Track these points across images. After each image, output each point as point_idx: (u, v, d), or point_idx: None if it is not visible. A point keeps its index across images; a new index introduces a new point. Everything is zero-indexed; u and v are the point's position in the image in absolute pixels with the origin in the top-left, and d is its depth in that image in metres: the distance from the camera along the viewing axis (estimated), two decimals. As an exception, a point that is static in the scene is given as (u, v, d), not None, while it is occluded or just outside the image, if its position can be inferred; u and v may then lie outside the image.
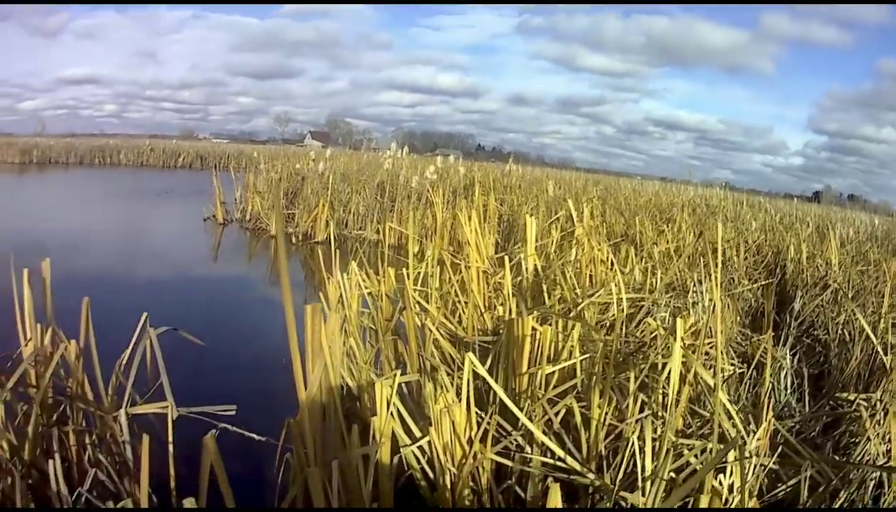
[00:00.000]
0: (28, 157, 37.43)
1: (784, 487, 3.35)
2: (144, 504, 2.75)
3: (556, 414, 3.73)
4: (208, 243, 14.66)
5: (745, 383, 4.34)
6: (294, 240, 14.54)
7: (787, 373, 4.41)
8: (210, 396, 3.69)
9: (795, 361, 5.19)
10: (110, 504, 2.85)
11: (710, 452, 3.20)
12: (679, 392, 3.62)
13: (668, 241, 8.93)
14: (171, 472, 3.06)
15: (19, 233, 11.18)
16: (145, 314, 3.95)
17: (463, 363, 3.62)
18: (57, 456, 3.25)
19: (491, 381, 3.70)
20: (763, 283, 7.98)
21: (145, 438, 2.95)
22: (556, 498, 2.36)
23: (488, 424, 3.51)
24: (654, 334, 4.99)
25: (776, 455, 3.53)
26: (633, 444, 3.44)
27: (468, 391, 3.59)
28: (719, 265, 4.66)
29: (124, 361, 3.91)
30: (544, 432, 3.53)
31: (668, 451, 3.31)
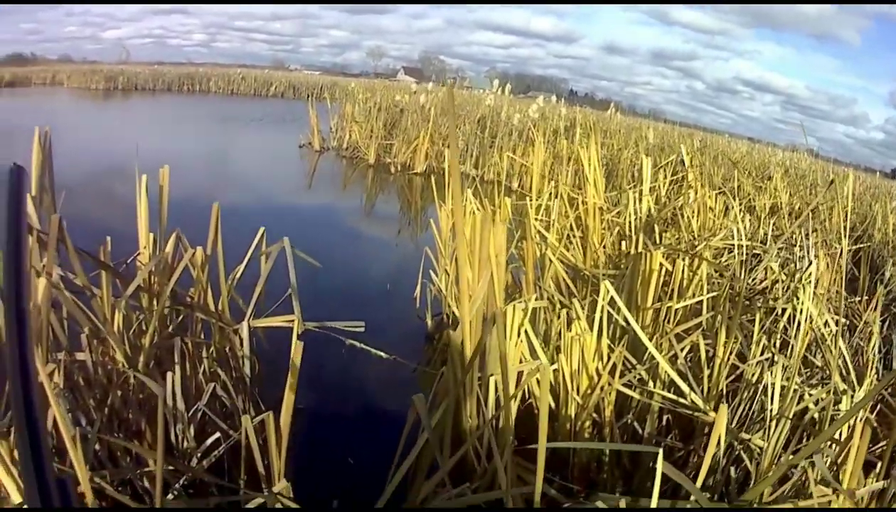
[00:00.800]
0: (113, 83, 37.12)
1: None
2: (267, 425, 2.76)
3: (682, 350, 3.74)
4: (303, 169, 14.78)
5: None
6: (392, 170, 14.62)
7: (875, 339, 4.35)
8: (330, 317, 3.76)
9: (885, 327, 5.17)
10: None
11: (830, 397, 3.20)
12: (804, 335, 3.62)
13: (767, 198, 8.91)
14: (292, 388, 2.99)
15: (117, 154, 11.32)
16: (262, 229, 4.01)
17: (581, 295, 3.65)
18: (178, 368, 3.30)
19: (625, 311, 3.72)
20: (856, 247, 7.93)
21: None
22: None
23: (616, 356, 3.53)
24: (771, 281, 5.01)
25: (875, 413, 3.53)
26: (758, 385, 3.47)
27: (601, 320, 3.61)
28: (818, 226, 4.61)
29: (238, 274, 3.99)
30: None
31: (792, 393, 3.31)
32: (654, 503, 2.17)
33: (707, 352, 3.73)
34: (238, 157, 15.47)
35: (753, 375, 3.60)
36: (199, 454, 3.26)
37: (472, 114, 16.28)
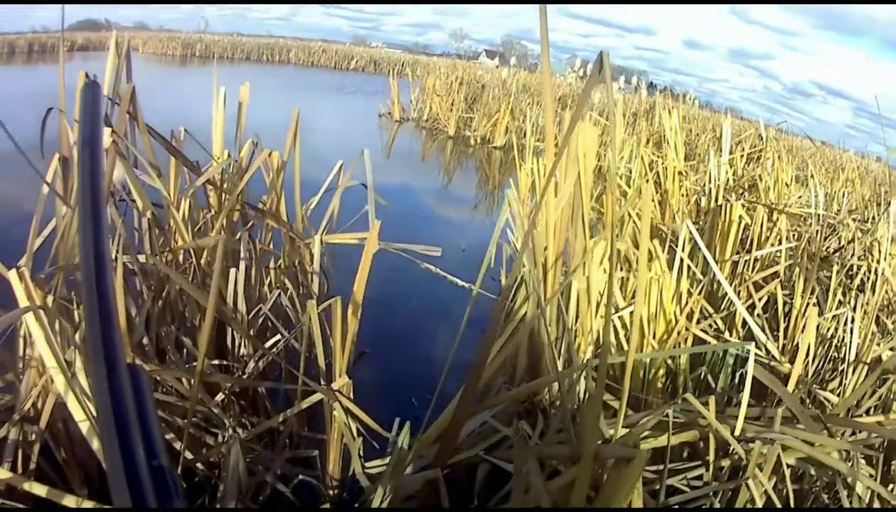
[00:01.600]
0: (190, 50, 37.34)
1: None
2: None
3: (760, 300, 3.70)
4: (382, 138, 14.87)
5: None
6: (472, 142, 14.67)
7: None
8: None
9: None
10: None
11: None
12: (880, 289, 3.57)
13: (840, 184, 8.82)
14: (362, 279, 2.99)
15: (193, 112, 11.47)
16: (341, 162, 4.04)
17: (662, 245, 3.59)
18: (242, 266, 3.27)
19: (706, 251, 3.68)
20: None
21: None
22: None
23: (693, 301, 3.48)
24: (847, 240, 4.97)
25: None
26: (832, 340, 3.42)
27: (682, 262, 3.55)
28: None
29: (314, 203, 4.02)
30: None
31: (867, 346, 3.26)
32: (743, 408, 2.16)
33: (784, 304, 3.68)
34: (316, 122, 15.59)
35: (829, 329, 3.55)
36: (255, 358, 3.24)
37: (553, 93, 16.25)
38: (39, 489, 1.94)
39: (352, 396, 2.72)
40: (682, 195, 5.94)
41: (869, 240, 4.49)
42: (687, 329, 3.43)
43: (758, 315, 3.65)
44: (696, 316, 3.50)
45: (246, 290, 3.29)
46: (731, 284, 3.90)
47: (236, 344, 3.32)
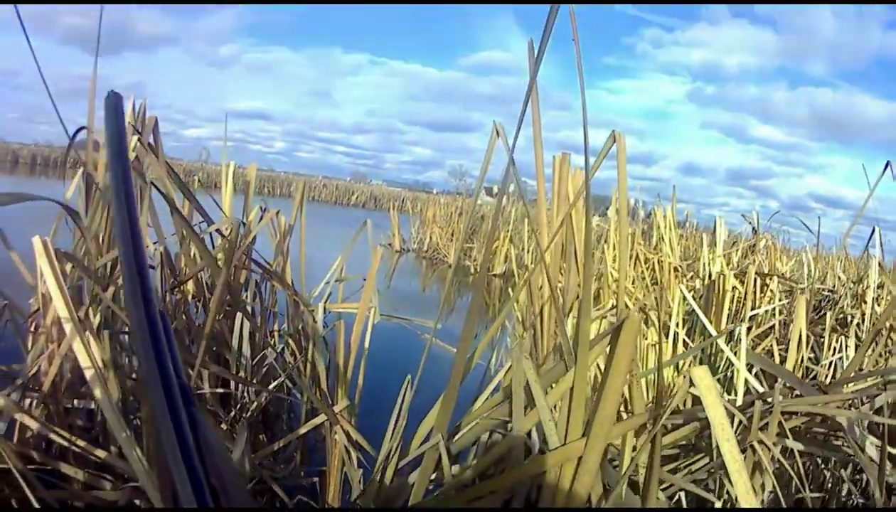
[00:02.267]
0: (190, 178, 37.46)
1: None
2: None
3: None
4: (383, 268, 15.09)
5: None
6: (473, 270, 14.87)
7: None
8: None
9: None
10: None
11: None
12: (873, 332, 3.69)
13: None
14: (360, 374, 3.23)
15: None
16: (340, 257, 4.23)
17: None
18: (246, 326, 3.48)
19: (700, 313, 3.81)
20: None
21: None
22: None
23: (687, 366, 3.59)
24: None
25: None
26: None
27: (678, 324, 3.67)
28: None
29: (316, 292, 4.18)
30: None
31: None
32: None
33: (780, 355, 3.80)
34: (317, 250, 15.87)
35: (826, 376, 3.66)
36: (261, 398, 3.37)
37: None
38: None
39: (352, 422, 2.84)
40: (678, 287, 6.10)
41: (860, 287, 4.65)
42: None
43: (756, 374, 3.75)
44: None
45: (251, 338, 3.45)
46: (728, 344, 4.02)
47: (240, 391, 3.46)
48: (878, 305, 3.98)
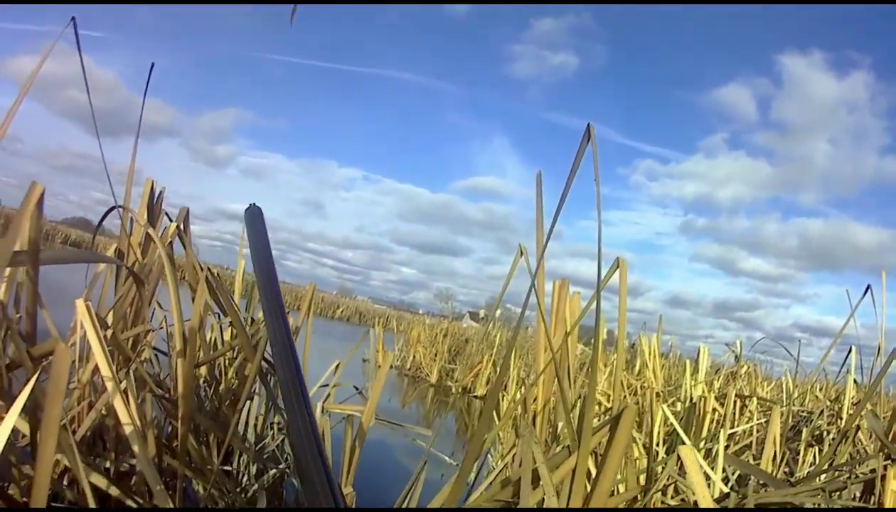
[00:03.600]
0: (181, 274, 37.62)
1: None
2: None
3: (733, 473, 4.02)
4: (363, 380, 15.18)
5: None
6: (453, 390, 14.98)
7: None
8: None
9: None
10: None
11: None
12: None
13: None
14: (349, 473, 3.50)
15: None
16: (336, 363, 4.48)
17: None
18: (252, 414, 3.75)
19: (677, 425, 4.01)
20: None
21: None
22: None
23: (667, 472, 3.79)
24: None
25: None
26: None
27: (657, 444, 3.89)
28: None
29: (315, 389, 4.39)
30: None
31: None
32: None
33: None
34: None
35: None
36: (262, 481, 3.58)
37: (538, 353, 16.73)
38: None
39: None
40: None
41: (836, 406, 4.87)
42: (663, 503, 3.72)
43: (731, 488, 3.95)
44: (671, 492, 3.80)
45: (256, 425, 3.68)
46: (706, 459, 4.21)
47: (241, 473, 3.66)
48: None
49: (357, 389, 4.20)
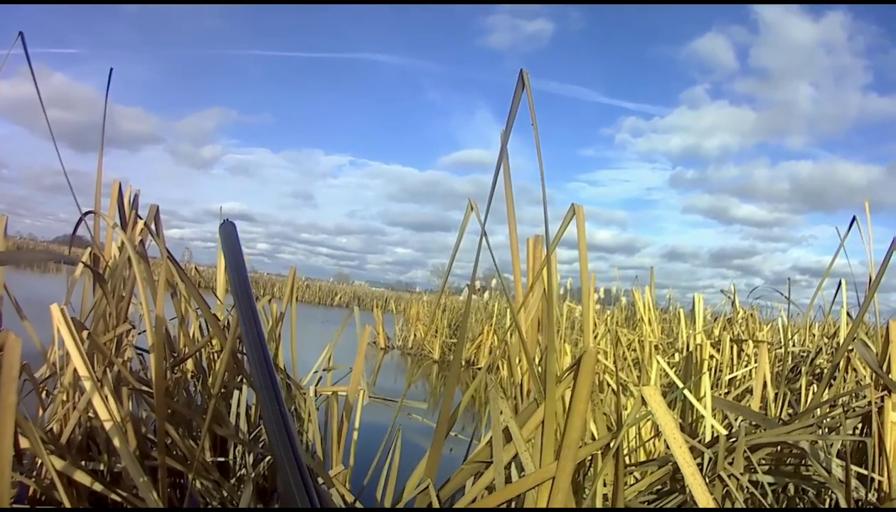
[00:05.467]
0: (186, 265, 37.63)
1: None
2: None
3: (736, 419, 4.02)
4: (369, 365, 15.18)
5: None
6: (458, 364, 15.01)
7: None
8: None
9: None
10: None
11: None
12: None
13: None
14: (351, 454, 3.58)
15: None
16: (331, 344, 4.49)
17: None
18: (243, 404, 3.77)
19: (671, 373, 4.03)
20: None
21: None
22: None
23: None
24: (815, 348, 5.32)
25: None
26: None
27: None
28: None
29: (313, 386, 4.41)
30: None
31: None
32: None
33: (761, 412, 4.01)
34: (303, 346, 15.95)
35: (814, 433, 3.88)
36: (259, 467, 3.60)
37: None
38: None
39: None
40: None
41: (835, 342, 4.87)
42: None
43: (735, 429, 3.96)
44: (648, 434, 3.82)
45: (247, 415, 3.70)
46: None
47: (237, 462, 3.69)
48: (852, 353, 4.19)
49: (351, 369, 4.20)
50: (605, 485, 2.46)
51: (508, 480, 2.45)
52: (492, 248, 2.66)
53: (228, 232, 1.23)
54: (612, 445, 2.22)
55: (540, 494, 2.22)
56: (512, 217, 2.68)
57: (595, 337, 7.17)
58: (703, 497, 1.89)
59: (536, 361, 2.79)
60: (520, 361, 3.07)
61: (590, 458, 2.62)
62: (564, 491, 2.18)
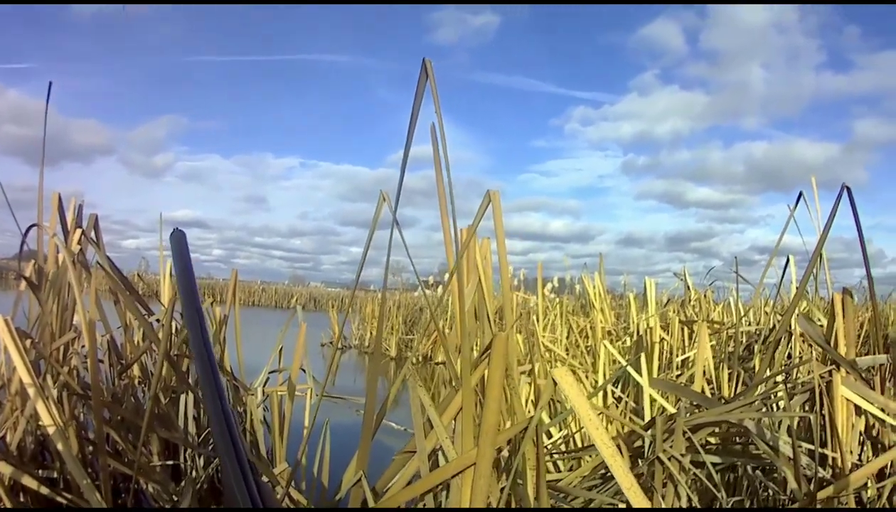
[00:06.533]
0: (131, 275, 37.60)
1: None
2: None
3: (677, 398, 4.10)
4: (323, 364, 15.21)
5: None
6: (414, 360, 15.03)
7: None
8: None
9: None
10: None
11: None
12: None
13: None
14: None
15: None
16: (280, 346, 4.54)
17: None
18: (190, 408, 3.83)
19: (617, 355, 4.09)
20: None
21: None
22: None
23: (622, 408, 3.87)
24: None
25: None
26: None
27: (604, 377, 3.97)
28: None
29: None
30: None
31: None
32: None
33: (712, 393, 4.08)
34: (256, 351, 15.91)
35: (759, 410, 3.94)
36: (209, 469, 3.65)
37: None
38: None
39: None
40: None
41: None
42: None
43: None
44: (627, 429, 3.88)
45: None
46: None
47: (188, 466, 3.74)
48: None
49: (303, 370, 4.24)
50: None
51: (436, 467, 2.50)
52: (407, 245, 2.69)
53: (178, 239, 1.26)
54: (529, 426, 2.25)
55: (464, 481, 2.27)
56: (444, 208, 2.70)
57: (546, 326, 7.22)
58: (624, 479, 1.94)
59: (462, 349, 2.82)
60: (459, 349, 3.11)
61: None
62: (486, 476, 2.23)
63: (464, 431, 2.35)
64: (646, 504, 1.93)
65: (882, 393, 3.16)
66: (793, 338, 4.28)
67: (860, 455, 3.16)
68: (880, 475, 2.95)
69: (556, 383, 2.04)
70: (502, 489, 2.36)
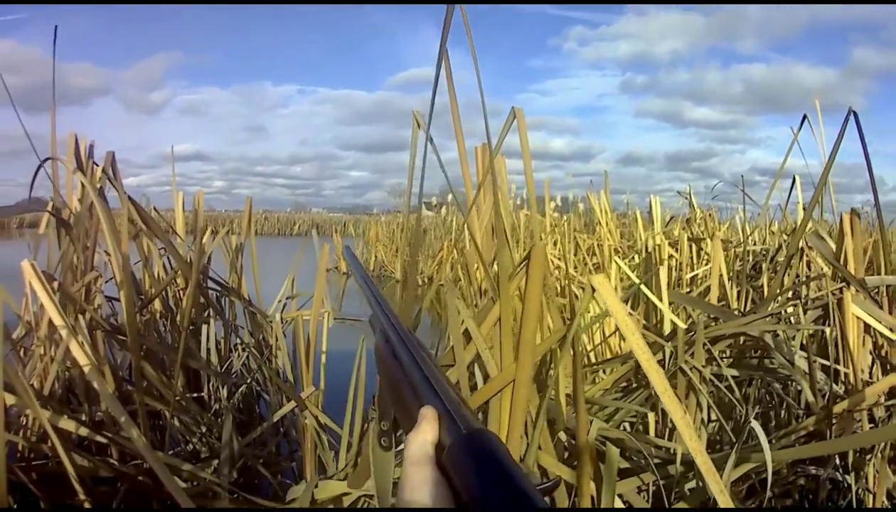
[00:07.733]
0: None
1: None
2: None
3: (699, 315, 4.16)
4: (332, 291, 15.24)
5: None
6: (420, 282, 15.08)
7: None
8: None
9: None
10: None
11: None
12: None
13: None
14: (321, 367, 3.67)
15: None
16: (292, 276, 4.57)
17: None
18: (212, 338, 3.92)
19: (628, 271, 4.13)
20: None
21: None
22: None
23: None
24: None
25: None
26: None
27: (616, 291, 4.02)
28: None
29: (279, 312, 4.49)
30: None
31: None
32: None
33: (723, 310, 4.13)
34: (267, 279, 15.99)
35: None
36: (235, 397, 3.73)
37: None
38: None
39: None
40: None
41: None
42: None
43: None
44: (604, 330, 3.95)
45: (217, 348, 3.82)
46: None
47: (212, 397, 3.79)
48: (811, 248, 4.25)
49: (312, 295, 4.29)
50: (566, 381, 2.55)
51: (472, 379, 2.54)
52: (443, 164, 2.71)
53: (351, 258, 1.23)
54: (567, 336, 2.28)
55: (503, 395, 2.30)
56: (458, 128, 2.72)
57: (554, 244, 7.26)
58: (659, 383, 1.96)
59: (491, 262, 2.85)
60: (477, 268, 3.14)
61: (549, 356, 2.71)
62: (527, 387, 2.27)
63: (503, 341, 2.36)
64: (679, 409, 1.97)
65: (890, 313, 3.21)
66: (800, 258, 4.30)
67: (870, 373, 3.21)
68: (890, 394, 2.99)
69: (594, 290, 2.06)
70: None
